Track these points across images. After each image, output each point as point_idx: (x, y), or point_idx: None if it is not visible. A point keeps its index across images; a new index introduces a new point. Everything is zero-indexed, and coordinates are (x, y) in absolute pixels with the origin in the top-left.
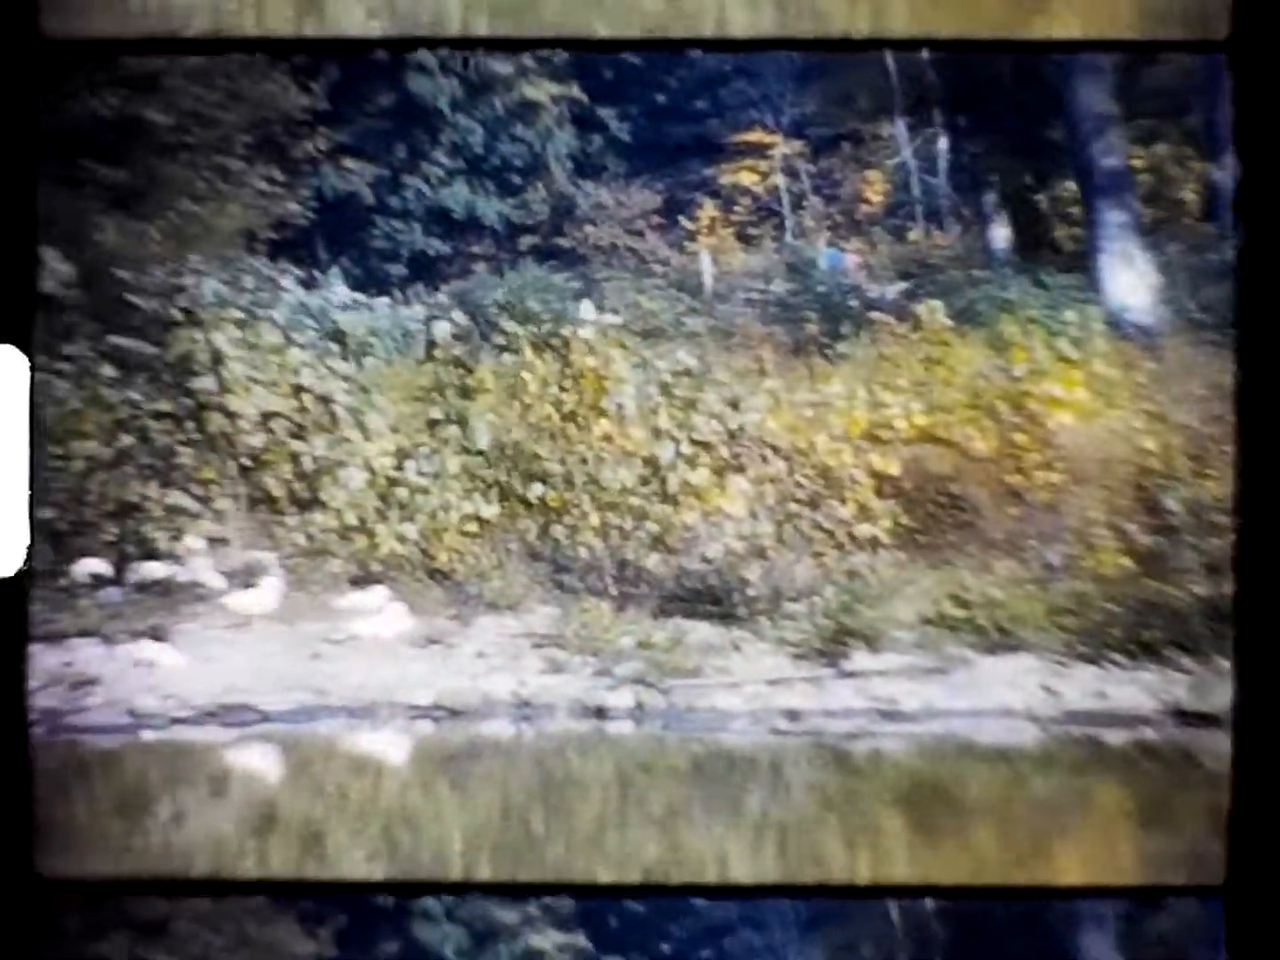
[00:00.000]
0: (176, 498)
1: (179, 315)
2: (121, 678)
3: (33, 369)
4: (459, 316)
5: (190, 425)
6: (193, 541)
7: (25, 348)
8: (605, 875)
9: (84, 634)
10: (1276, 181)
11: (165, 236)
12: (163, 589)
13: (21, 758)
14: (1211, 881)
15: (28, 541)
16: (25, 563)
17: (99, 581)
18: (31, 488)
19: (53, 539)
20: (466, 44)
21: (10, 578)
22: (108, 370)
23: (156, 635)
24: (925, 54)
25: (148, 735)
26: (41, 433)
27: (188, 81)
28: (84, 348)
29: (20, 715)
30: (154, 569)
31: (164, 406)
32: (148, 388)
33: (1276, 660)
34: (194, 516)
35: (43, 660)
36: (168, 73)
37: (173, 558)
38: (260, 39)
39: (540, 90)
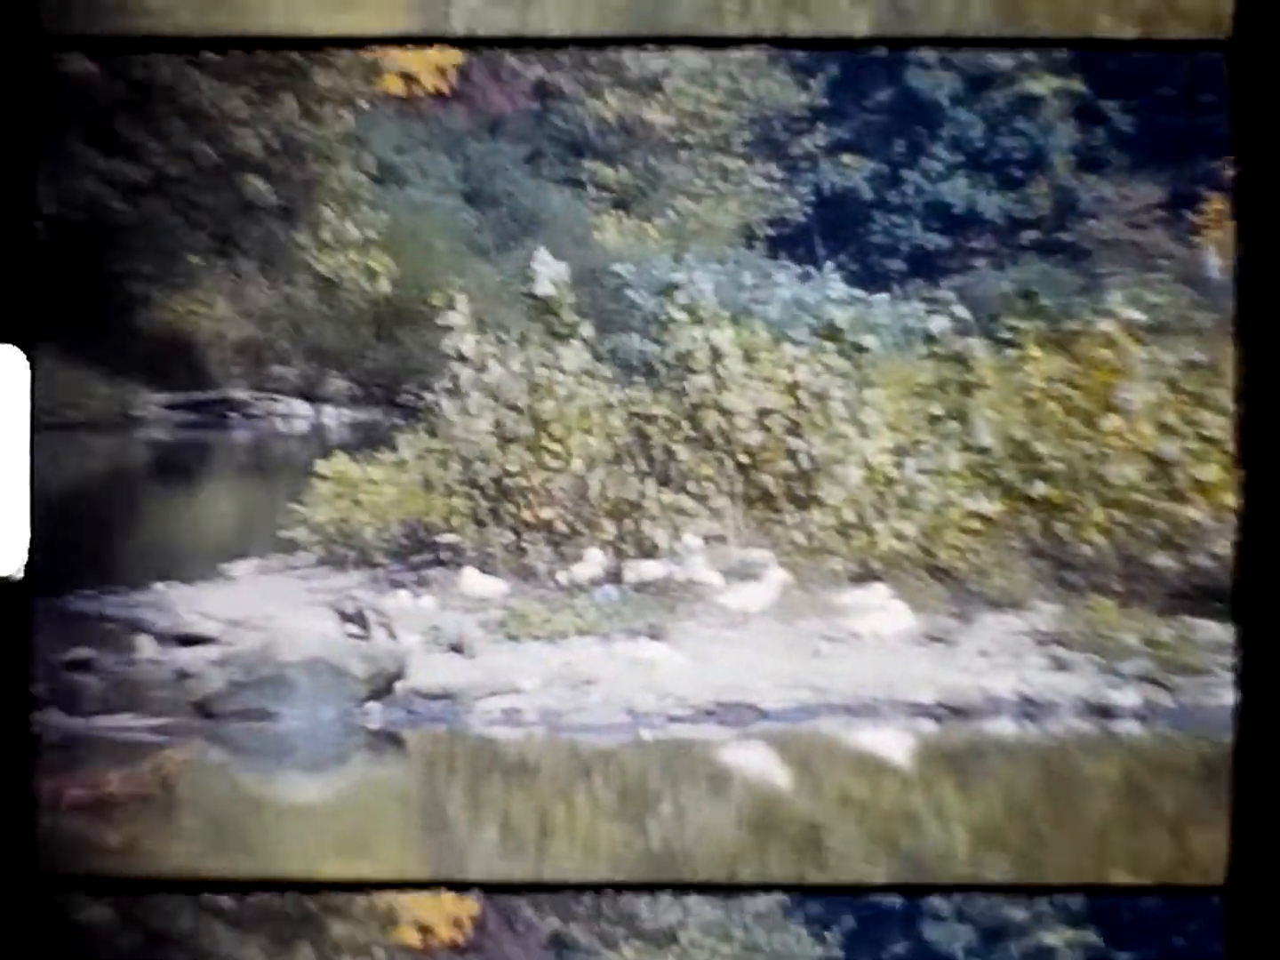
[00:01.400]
0: (674, 496)
1: (677, 313)
2: (620, 677)
3: (527, 367)
4: (959, 312)
5: (687, 424)
6: (690, 540)
7: (25, 347)
8: (1117, 878)
9: (582, 633)
10: (1277, 182)
11: (664, 235)
12: (660, 587)
13: (25, 755)
14: (1211, 881)
15: (28, 540)
16: (26, 562)
17: (597, 580)
18: (33, 487)
19: (552, 538)
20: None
21: (11, 576)
22: (608, 369)
23: (654, 634)
24: None
25: (646, 734)
26: (536, 426)
27: (688, 82)
28: (583, 347)
29: (23, 712)
30: (652, 568)
31: (662, 405)
32: (646, 386)
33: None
34: (691, 515)
35: (543, 659)
36: (669, 74)
37: (671, 556)
38: (263, 37)
39: (1042, 84)
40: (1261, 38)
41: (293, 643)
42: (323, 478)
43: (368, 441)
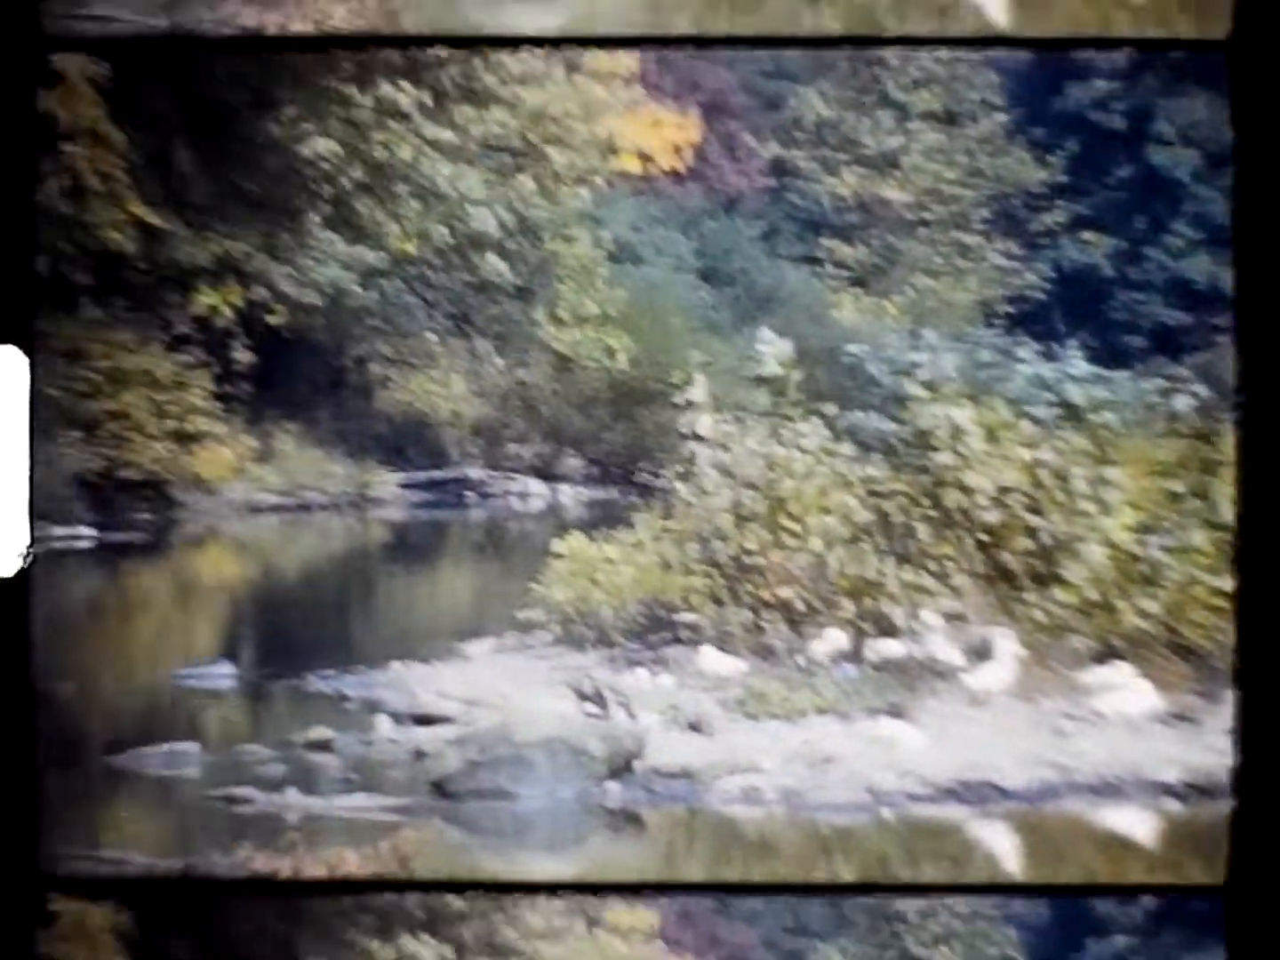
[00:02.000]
0: (914, 574)
1: (917, 390)
2: (860, 755)
3: (764, 445)
4: (1200, 389)
5: (927, 501)
6: (930, 618)
7: (25, 347)
8: None
9: (822, 712)
10: (1277, 183)
11: (902, 312)
12: (900, 666)
13: (27, 754)
14: (1211, 881)
15: (28, 541)
16: (26, 561)
17: (837, 659)
18: (32, 486)
19: (791, 617)
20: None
21: (12, 576)
22: (846, 447)
23: (895, 712)
24: None
25: (886, 813)
26: (774, 505)
27: (925, 159)
28: (821, 424)
29: (24, 712)
30: (891, 646)
31: (901, 482)
32: (885, 464)
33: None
34: (931, 593)
35: (782, 738)
36: (906, 150)
37: (910, 634)
38: (269, 37)
39: None
40: (1261, 38)
41: (530, 722)
42: (559, 557)
43: (604, 520)
